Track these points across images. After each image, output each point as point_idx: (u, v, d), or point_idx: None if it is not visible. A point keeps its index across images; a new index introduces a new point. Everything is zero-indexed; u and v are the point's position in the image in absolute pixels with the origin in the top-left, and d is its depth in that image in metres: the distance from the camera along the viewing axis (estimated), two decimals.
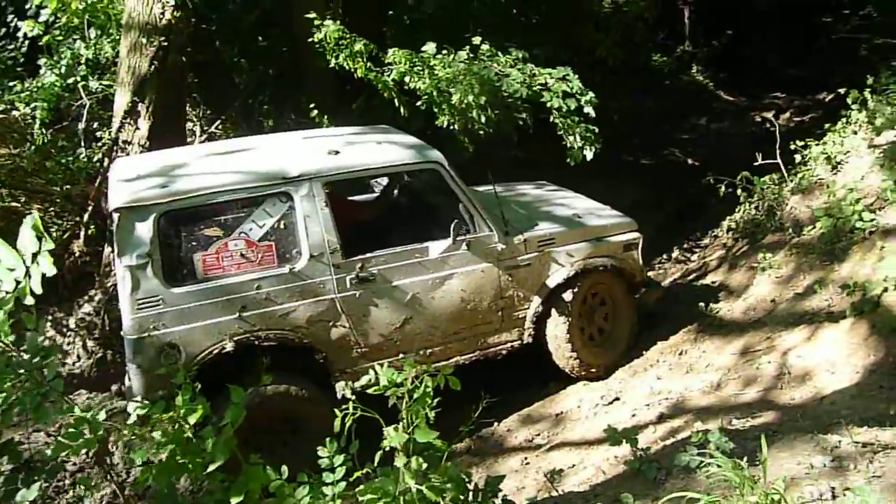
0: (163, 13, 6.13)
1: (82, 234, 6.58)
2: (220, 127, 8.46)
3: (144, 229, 4.34)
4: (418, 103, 6.61)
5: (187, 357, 4.43)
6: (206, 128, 8.49)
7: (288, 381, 4.62)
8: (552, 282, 5.41)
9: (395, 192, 6.33)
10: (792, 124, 13.59)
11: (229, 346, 4.48)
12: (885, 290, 4.70)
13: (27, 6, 8.31)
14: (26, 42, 8.69)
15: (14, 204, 7.14)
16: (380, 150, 5.20)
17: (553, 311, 5.46)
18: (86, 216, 6.58)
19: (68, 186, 7.18)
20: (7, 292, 2.40)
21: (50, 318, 6.24)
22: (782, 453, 3.35)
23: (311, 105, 7.66)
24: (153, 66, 6.23)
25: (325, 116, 7.58)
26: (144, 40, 6.19)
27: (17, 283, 2.40)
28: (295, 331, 4.69)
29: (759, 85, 16.03)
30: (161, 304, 4.38)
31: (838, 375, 4.47)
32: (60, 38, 7.80)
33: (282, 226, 4.67)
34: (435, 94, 6.50)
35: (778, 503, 2.74)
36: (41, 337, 5.27)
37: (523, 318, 5.42)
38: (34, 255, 2.39)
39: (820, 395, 4.35)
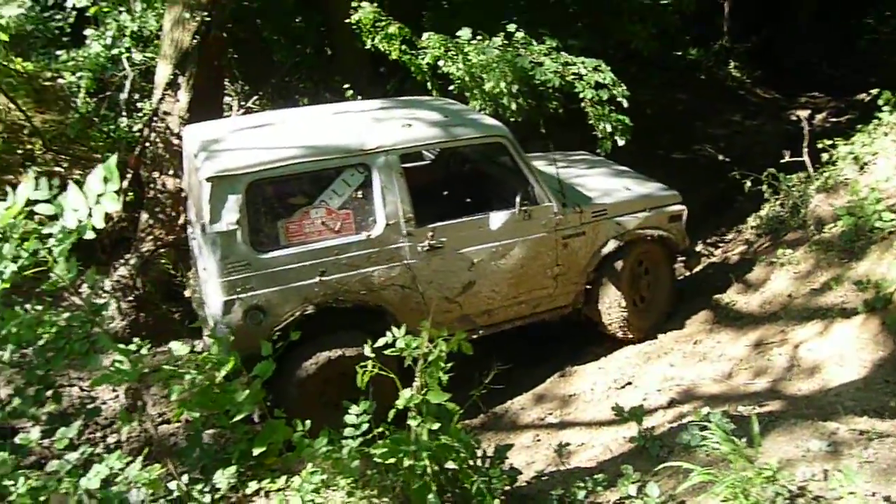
0: None
1: (121, 200, 6.81)
2: (256, 102, 8.67)
3: (235, 197, 4.53)
4: (450, 87, 6.74)
5: (272, 319, 4.66)
6: (243, 103, 8.71)
7: (361, 341, 4.82)
8: (604, 251, 5.67)
9: (453, 160, 6.57)
10: (828, 124, 13.47)
11: (311, 309, 4.72)
12: None
13: None
14: (73, 13, 8.94)
15: (57, 169, 7.42)
16: (450, 124, 5.40)
17: (604, 278, 5.73)
18: (125, 183, 6.81)
19: (109, 154, 7.41)
20: (69, 229, 2.60)
21: (83, 273, 6.51)
22: (782, 437, 3.47)
23: (346, 85, 7.83)
24: (195, 41, 6.45)
25: (359, 97, 7.73)
26: (188, 15, 6.40)
27: (80, 221, 2.60)
28: (370, 294, 4.92)
29: (798, 83, 15.88)
30: (248, 269, 4.59)
31: (846, 369, 4.55)
32: (107, 10, 8.03)
33: (359, 195, 4.89)
34: (468, 79, 6.63)
35: (770, 479, 2.87)
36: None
37: (576, 285, 5.69)
38: (98, 196, 2.60)
39: (827, 386, 4.44)
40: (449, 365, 2.98)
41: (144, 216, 6.67)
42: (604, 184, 6.17)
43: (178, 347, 3.20)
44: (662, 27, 12.09)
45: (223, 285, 4.57)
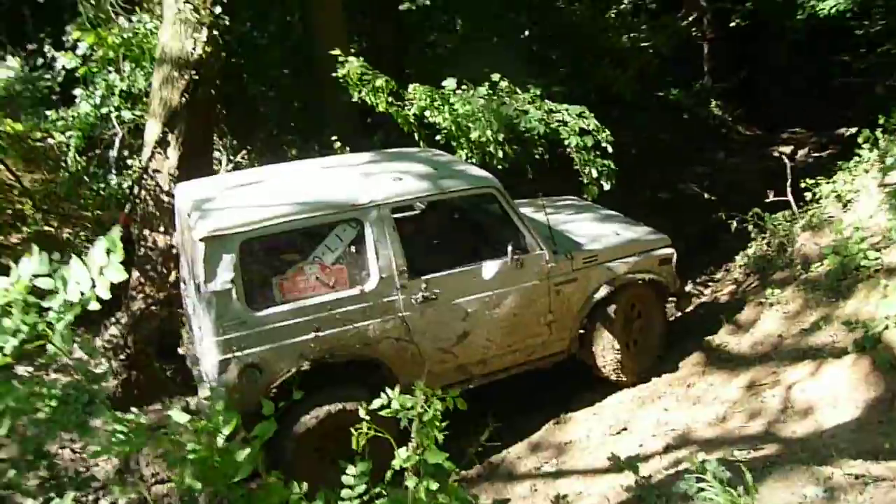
0: (195, 48, 6.39)
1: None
2: (245, 157, 8.74)
3: (229, 256, 4.55)
4: (437, 137, 6.83)
5: (268, 376, 4.66)
6: (232, 157, 8.77)
7: (357, 396, 4.75)
8: (596, 296, 5.73)
9: (443, 211, 6.62)
10: (810, 160, 13.66)
11: (306, 366, 4.72)
12: (887, 327, 4.80)
13: (65, 38, 8.67)
14: (63, 73, 9.04)
15: (47, 228, 7.44)
16: (440, 176, 5.46)
17: (598, 323, 5.78)
18: None
19: (99, 211, 7.46)
20: (71, 302, 2.61)
21: (78, 339, 6.48)
22: (778, 483, 3.48)
23: (334, 137, 7.91)
24: (184, 99, 6.50)
25: (347, 148, 7.81)
26: (176, 74, 6.47)
27: (82, 294, 2.61)
28: (365, 347, 4.94)
29: (779, 120, 16.13)
30: (244, 327, 4.60)
31: (839, 410, 4.57)
32: (96, 70, 8.11)
33: (353, 250, 4.95)
34: (454, 128, 6.73)
35: None
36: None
37: (570, 331, 5.73)
38: (101, 269, 2.61)
39: (821, 428, 4.46)
40: (444, 423, 2.99)
41: (135, 274, 6.66)
42: (593, 229, 6.24)
43: (178, 415, 3.18)
44: (642, 70, 12.33)
45: (219, 344, 4.57)
